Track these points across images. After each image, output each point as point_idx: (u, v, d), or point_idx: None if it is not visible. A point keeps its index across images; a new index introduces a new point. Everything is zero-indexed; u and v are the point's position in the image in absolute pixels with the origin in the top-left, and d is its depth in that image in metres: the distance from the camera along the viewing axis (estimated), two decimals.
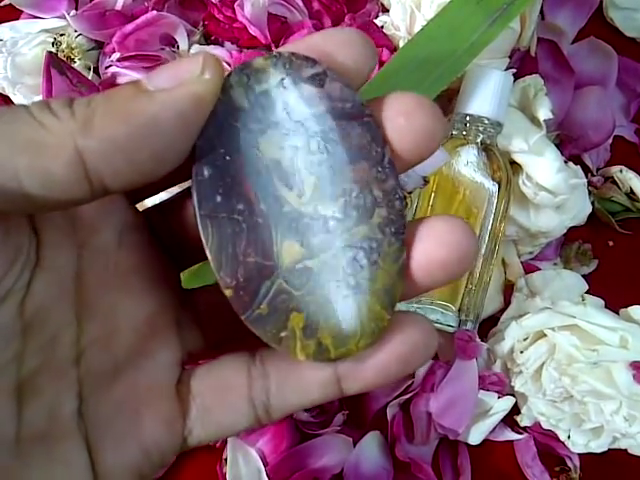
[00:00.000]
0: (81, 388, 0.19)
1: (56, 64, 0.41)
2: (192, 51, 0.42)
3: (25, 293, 0.17)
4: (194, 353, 0.22)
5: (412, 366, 0.20)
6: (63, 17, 0.43)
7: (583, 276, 0.41)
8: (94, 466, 0.19)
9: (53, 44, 0.42)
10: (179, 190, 0.21)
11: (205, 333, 0.22)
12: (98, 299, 0.19)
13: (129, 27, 0.41)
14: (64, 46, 0.42)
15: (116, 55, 0.42)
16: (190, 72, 0.17)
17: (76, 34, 0.43)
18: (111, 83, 0.42)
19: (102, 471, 0.19)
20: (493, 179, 0.38)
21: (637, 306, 0.36)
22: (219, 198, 0.18)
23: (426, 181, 0.38)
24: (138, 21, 0.41)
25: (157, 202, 0.22)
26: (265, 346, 0.19)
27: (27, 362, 0.18)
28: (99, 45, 0.44)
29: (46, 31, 0.43)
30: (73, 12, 0.44)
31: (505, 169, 0.39)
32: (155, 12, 0.41)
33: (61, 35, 0.43)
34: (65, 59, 0.42)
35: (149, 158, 0.16)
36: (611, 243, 0.45)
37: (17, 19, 0.45)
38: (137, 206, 0.21)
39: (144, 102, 0.16)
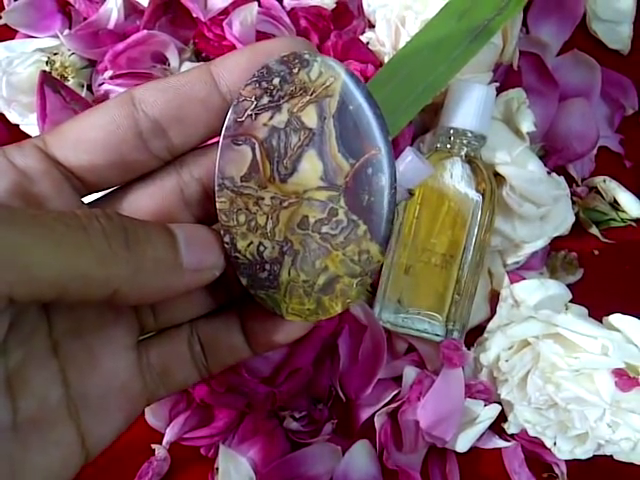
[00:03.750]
0: (65, 375, 0.22)
1: (50, 82, 0.42)
2: (183, 68, 0.43)
3: None
4: (145, 330, 0.25)
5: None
6: (57, 36, 0.44)
7: (569, 285, 0.42)
8: (83, 438, 0.22)
9: (47, 63, 0.43)
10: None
11: (155, 312, 0.25)
12: None
13: (121, 46, 0.42)
14: (58, 65, 0.43)
15: (108, 73, 0.43)
16: (213, 259, 0.22)
17: (69, 53, 0.44)
18: (104, 100, 0.43)
19: (91, 443, 0.22)
20: (477, 191, 0.39)
21: (618, 314, 0.37)
22: None
23: (411, 194, 0.39)
24: (130, 40, 0.42)
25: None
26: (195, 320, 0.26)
27: (11, 356, 0.20)
28: (92, 63, 0.44)
29: (40, 50, 0.44)
30: (67, 31, 0.45)
31: (489, 181, 0.39)
32: (146, 31, 0.42)
33: (55, 54, 0.44)
34: (59, 77, 0.43)
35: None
36: (596, 252, 0.46)
37: (12, 39, 0.46)
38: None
39: (177, 278, 0.21)
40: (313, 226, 0.23)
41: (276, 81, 0.22)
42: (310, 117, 0.22)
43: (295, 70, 0.22)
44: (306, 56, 0.22)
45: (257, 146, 0.22)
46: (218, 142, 0.23)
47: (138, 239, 0.20)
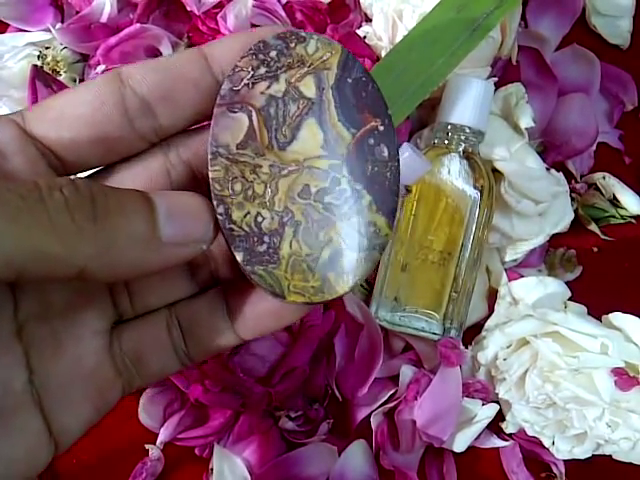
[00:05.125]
0: (28, 360, 0.21)
1: (41, 77, 0.41)
2: None
3: None
4: (123, 315, 0.24)
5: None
6: (49, 30, 0.43)
7: (567, 282, 0.41)
8: (50, 428, 0.21)
9: (39, 57, 0.43)
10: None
11: (131, 294, 0.24)
12: None
13: (114, 40, 0.42)
14: (49, 59, 0.43)
15: (101, 67, 0.42)
16: (200, 232, 0.20)
17: (62, 47, 0.43)
18: None
19: (58, 431, 0.21)
20: (475, 187, 0.38)
21: (618, 313, 0.36)
22: None
23: (408, 190, 0.38)
24: (122, 34, 0.42)
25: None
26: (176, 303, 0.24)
27: None
28: (84, 58, 0.44)
29: (32, 44, 0.44)
30: (59, 25, 0.44)
31: (487, 177, 0.39)
32: (139, 25, 0.42)
33: (47, 48, 0.43)
34: (50, 72, 0.42)
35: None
36: (595, 249, 0.45)
37: (3, 32, 0.45)
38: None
39: (153, 253, 0.19)
40: (315, 195, 0.22)
41: (273, 53, 0.22)
42: (308, 87, 0.22)
43: (292, 44, 0.22)
44: (302, 33, 0.22)
45: (254, 113, 0.22)
46: (207, 124, 0.22)
47: (108, 210, 0.18)
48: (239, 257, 0.21)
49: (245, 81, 0.22)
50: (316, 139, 0.22)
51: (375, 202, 0.22)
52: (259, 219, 0.22)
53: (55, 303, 0.22)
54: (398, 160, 0.22)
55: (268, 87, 0.22)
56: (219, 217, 0.21)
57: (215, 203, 0.21)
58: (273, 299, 0.22)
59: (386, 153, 0.22)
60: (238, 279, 0.23)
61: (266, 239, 0.22)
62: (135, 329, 0.23)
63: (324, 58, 0.22)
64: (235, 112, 0.22)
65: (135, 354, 0.23)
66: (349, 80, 0.22)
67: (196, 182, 0.23)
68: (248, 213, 0.21)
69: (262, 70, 0.22)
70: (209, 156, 0.21)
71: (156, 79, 0.21)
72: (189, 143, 0.23)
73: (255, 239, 0.21)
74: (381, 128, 0.22)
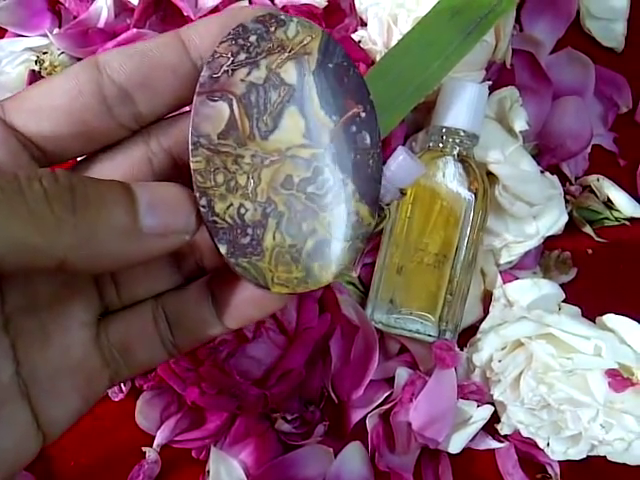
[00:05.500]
0: (15, 352, 0.21)
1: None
2: None
3: None
4: (110, 307, 0.24)
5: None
6: (46, 35, 0.44)
7: (562, 284, 0.41)
8: (38, 419, 0.21)
9: (36, 62, 0.43)
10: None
11: (118, 286, 0.24)
12: None
13: (111, 44, 0.42)
14: (47, 64, 0.43)
15: None
16: (181, 223, 0.20)
17: (59, 52, 0.44)
18: None
19: (46, 422, 0.21)
20: (470, 190, 0.39)
21: (611, 314, 0.37)
22: None
23: (403, 193, 0.38)
24: (120, 38, 0.42)
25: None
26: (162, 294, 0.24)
27: None
28: None
29: (30, 49, 0.44)
30: (56, 30, 0.44)
31: (482, 180, 0.39)
32: (136, 30, 0.42)
33: (44, 53, 0.43)
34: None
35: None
36: (590, 251, 0.45)
37: (1, 38, 0.45)
38: None
39: (134, 244, 0.19)
40: (298, 185, 0.22)
41: (253, 38, 0.21)
42: (289, 73, 0.22)
43: (272, 29, 0.21)
44: (282, 16, 0.22)
45: (235, 102, 0.21)
46: (188, 111, 0.22)
47: (88, 201, 0.18)
48: (223, 249, 0.21)
49: (225, 68, 0.21)
50: (298, 127, 0.22)
51: (358, 191, 0.22)
52: (242, 211, 0.21)
53: (41, 295, 0.22)
54: (380, 147, 0.22)
55: (248, 74, 0.21)
56: (202, 209, 0.21)
57: (198, 195, 0.21)
58: (257, 289, 0.22)
59: (368, 140, 0.22)
60: (223, 269, 0.23)
61: (249, 231, 0.21)
62: (122, 320, 0.24)
63: (304, 42, 0.22)
64: (215, 101, 0.21)
65: (122, 345, 0.23)
66: (330, 65, 0.22)
67: (178, 170, 0.23)
68: (231, 205, 0.21)
69: (242, 56, 0.21)
70: (190, 147, 0.21)
71: (133, 66, 0.21)
72: (170, 131, 0.23)
73: (238, 231, 0.21)
74: (363, 115, 0.22)
